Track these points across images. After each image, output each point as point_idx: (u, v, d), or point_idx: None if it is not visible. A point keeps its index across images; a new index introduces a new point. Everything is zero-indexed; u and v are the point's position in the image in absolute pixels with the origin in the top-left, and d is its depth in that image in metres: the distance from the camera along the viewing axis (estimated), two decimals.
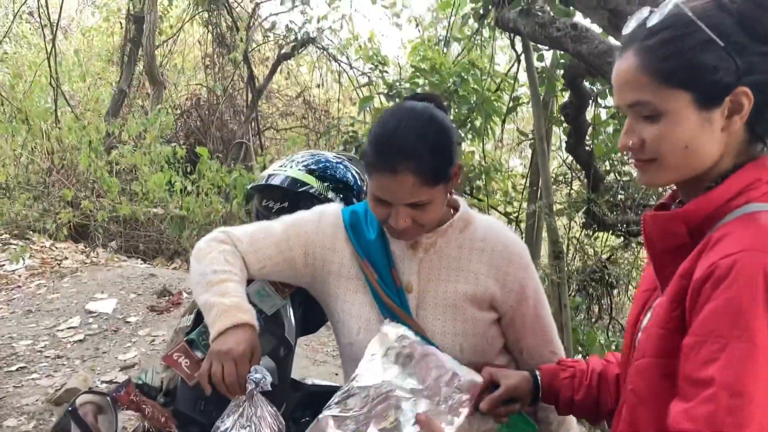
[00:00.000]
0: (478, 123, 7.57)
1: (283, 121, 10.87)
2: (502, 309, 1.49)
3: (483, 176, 7.76)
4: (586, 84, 6.23)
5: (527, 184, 8.19)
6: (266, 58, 10.61)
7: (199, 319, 1.53)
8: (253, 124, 9.73)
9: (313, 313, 1.71)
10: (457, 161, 1.40)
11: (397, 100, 7.80)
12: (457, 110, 7.45)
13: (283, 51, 9.60)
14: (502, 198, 8.88)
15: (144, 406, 1.36)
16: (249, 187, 1.86)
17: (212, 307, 1.38)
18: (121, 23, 10.28)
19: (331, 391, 1.76)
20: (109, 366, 4.27)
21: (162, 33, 10.32)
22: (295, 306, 1.67)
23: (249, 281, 1.57)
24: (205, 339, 1.47)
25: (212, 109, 10.19)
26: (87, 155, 7.26)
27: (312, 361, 4.60)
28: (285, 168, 1.78)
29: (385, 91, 7.82)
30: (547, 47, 5.89)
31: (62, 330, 4.89)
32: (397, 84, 7.80)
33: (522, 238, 8.32)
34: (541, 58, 6.73)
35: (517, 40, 6.27)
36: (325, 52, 9.89)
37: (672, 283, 1.04)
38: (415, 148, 1.32)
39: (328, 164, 1.81)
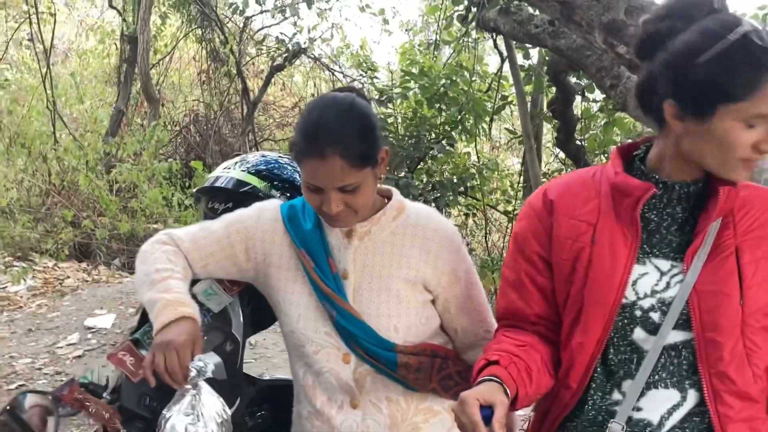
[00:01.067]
0: (469, 124, 7.64)
1: (280, 132, 10.96)
2: (435, 291, 1.55)
3: (477, 176, 7.81)
4: (572, 79, 6.26)
5: (522, 182, 8.23)
6: (260, 70, 10.72)
7: (144, 319, 1.58)
8: (250, 136, 9.84)
9: (264, 310, 1.76)
10: (383, 146, 1.47)
11: (389, 105, 7.90)
12: (447, 112, 7.53)
13: (275, 63, 9.70)
14: (501, 197, 8.93)
15: (88, 404, 1.41)
16: (195, 190, 1.93)
17: (155, 303, 1.44)
18: (116, 44, 10.43)
19: (283, 384, 1.83)
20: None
21: (157, 52, 10.46)
22: (243, 303, 1.72)
23: (196, 281, 1.63)
24: (149, 338, 1.52)
25: (210, 124, 10.29)
26: (86, 175, 7.38)
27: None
28: (229, 170, 1.84)
29: (377, 97, 7.91)
30: (528, 44, 5.94)
31: (62, 347, 4.98)
32: (388, 89, 7.88)
33: None
34: (527, 56, 6.78)
35: (500, 39, 6.31)
36: (317, 62, 9.99)
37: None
38: (339, 132, 1.39)
39: (275, 164, 1.87)
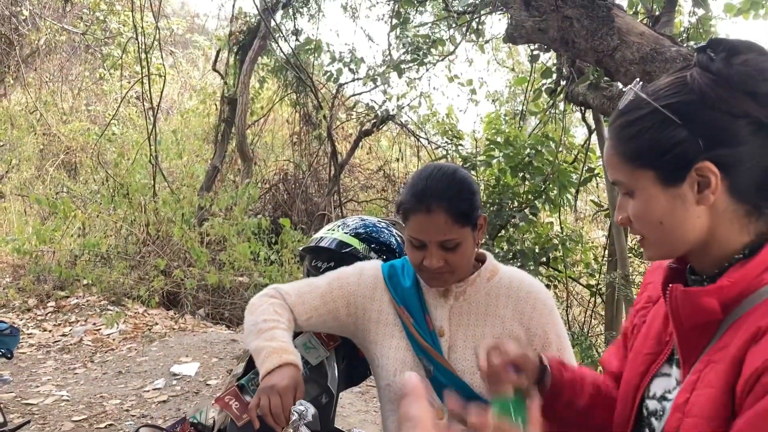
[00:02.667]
0: (553, 194, 7.62)
1: (363, 194, 11.25)
2: None
3: (560, 247, 7.73)
4: None
5: (606, 255, 8.08)
6: (349, 134, 11.10)
7: (249, 366, 1.69)
8: (335, 196, 10.12)
9: (357, 366, 1.84)
10: (482, 213, 1.59)
11: (473, 172, 8.00)
12: (531, 181, 7.55)
13: (364, 128, 10.04)
14: (584, 270, 8.78)
15: None
16: (300, 249, 2.06)
17: (261, 350, 1.56)
18: (216, 105, 11.07)
19: None
20: None
21: (253, 113, 11.04)
22: (339, 358, 1.81)
23: (297, 334, 1.74)
24: (254, 385, 1.63)
25: (298, 183, 10.67)
26: (180, 227, 7.77)
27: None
28: (333, 231, 1.97)
29: (461, 164, 8.03)
30: None
31: (148, 391, 5.18)
32: (472, 156, 8.00)
33: (603, 309, 8.15)
34: None
35: (588, 113, 6.36)
36: (404, 128, 10.27)
37: (714, 371, 1.00)
38: (445, 191, 1.53)
39: (373, 229, 1.98)
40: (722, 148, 1.02)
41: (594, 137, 6.76)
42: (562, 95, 6.59)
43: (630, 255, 7.28)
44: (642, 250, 1.14)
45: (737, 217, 1.06)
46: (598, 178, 7.67)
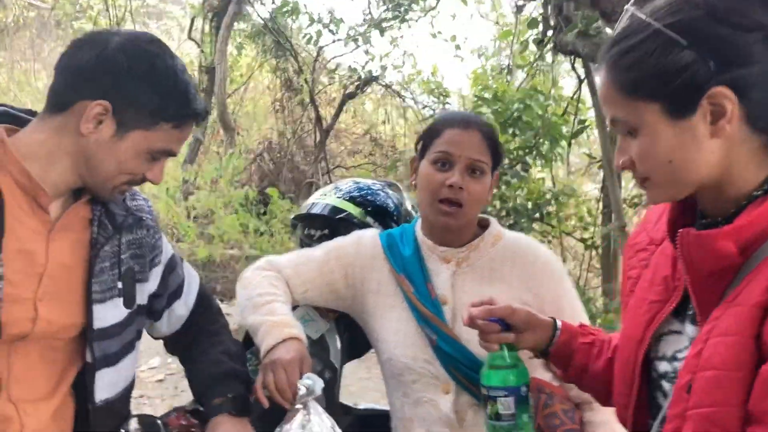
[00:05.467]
0: (544, 149, 7.50)
1: (351, 159, 11.08)
2: None
3: (553, 202, 7.64)
4: None
5: (600, 209, 8.01)
6: (332, 99, 10.88)
7: (246, 344, 1.58)
8: (322, 163, 9.96)
9: (359, 338, 1.73)
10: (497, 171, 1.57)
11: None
12: (522, 136, 7.42)
13: (348, 91, 9.83)
14: (577, 224, 8.71)
15: (193, 430, 1.40)
16: (292, 217, 1.93)
17: (260, 325, 1.44)
18: (194, 74, 10.79)
19: (379, 414, 1.79)
20: None
21: (233, 82, 10.77)
22: (340, 330, 1.71)
23: (294, 307, 1.62)
24: (252, 365, 1.52)
25: (283, 152, 10.49)
26: (165, 202, 7.61)
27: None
28: (325, 196, 1.84)
29: None
30: None
31: (144, 371, 5.08)
32: None
33: (599, 262, 8.11)
34: None
35: (578, 62, 6.22)
36: (389, 89, 10.07)
37: (735, 318, 0.89)
38: (481, 121, 1.59)
39: (368, 191, 1.85)
40: (736, 68, 0.89)
41: (584, 87, 6.62)
42: (549, 46, 6.44)
43: (624, 207, 7.21)
44: (645, 193, 1.02)
45: (754, 150, 0.94)
46: (589, 129, 7.55)
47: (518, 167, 7.45)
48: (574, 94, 7.50)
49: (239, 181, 9.29)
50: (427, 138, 1.55)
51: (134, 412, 1.40)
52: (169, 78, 1.19)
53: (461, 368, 1.46)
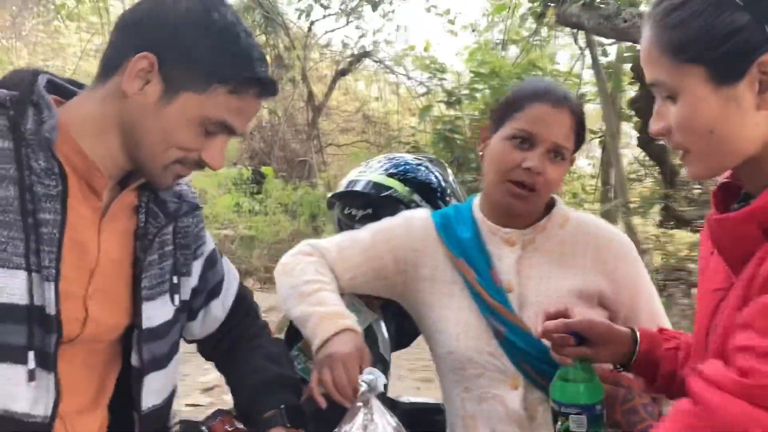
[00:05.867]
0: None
1: (343, 137, 10.93)
2: (613, 306, 1.38)
3: None
4: None
5: (598, 185, 7.96)
6: (324, 75, 10.71)
7: (288, 338, 1.46)
8: (314, 141, 9.80)
9: (405, 327, 1.62)
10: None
11: (457, 106, 7.74)
12: None
13: (340, 67, 9.66)
14: (571, 200, 8.67)
15: None
16: (330, 195, 1.79)
17: (309, 317, 1.30)
18: None
19: (427, 408, 1.68)
20: (191, 389, 4.29)
21: None
22: (387, 320, 1.58)
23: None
24: (300, 361, 1.40)
25: (274, 130, 10.33)
26: None
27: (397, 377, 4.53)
28: (365, 173, 1.70)
29: (445, 99, 7.77)
30: (613, 40, 5.71)
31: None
32: (457, 90, 7.73)
33: None
34: (605, 54, 6.55)
35: (580, 36, 6.10)
36: (381, 65, 9.91)
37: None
38: (572, 99, 1.38)
39: (408, 167, 1.72)
40: None
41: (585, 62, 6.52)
42: (547, 19, 6.32)
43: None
44: (684, 166, 0.94)
45: None
46: (588, 104, 7.47)
47: None
48: (571, 69, 7.42)
49: (229, 161, 9.13)
50: (507, 108, 1.39)
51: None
52: (228, 34, 1.01)
53: (532, 361, 1.33)
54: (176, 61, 0.98)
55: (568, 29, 6.58)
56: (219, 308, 1.29)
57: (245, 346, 1.30)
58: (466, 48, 8.71)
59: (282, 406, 1.20)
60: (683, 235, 7.77)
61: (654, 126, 0.93)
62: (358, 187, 1.66)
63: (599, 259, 1.38)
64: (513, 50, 8.59)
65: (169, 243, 1.13)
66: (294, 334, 1.41)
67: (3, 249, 0.91)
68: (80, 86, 1.07)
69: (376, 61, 9.78)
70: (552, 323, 1.16)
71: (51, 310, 0.94)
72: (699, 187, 7.12)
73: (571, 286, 1.36)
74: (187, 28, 0.98)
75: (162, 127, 1.00)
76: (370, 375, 1.20)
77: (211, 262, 1.28)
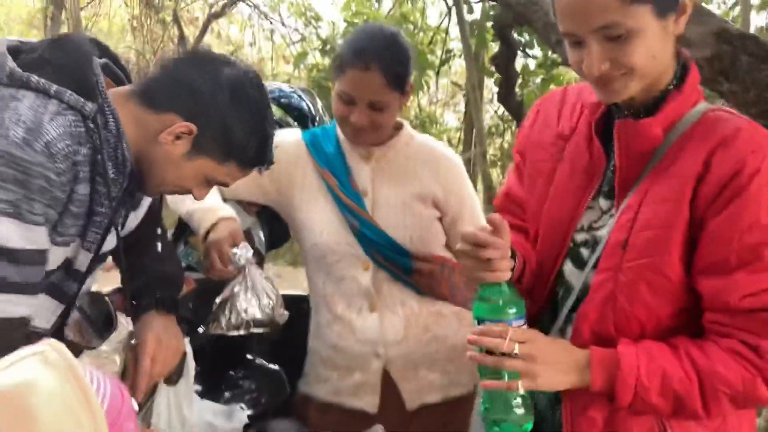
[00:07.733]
0: (412, 78, 7.73)
1: None
2: (443, 209, 1.73)
3: (418, 128, 7.96)
4: (514, 34, 6.44)
5: (461, 137, 8.45)
6: (195, 18, 10.47)
7: (176, 232, 1.69)
8: None
9: (277, 230, 1.88)
10: (411, 81, 1.64)
11: (332, 55, 7.87)
12: None
13: (213, 10, 9.50)
14: None
15: None
16: None
17: (193, 213, 1.59)
18: None
19: (295, 298, 1.96)
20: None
21: None
22: (263, 223, 1.84)
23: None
24: (193, 256, 1.66)
25: (142, 73, 9.95)
26: None
27: None
28: None
29: (320, 47, 7.90)
30: None
31: None
32: (331, 39, 7.88)
33: None
34: (471, 11, 6.92)
35: None
36: (256, 10, 9.84)
37: (667, 187, 1.07)
38: (384, 52, 1.57)
39: (282, 93, 1.97)
40: None
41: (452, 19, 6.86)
42: None
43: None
44: (602, 91, 1.10)
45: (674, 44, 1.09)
46: (452, 60, 7.88)
47: None
48: (440, 25, 7.75)
49: None
50: (336, 69, 1.62)
51: None
52: (259, 127, 1.24)
53: (380, 249, 1.67)
54: (209, 137, 1.21)
55: None
56: (134, 221, 1.44)
57: (140, 250, 1.45)
58: None
59: (157, 295, 1.40)
60: None
61: (598, 66, 1.04)
62: None
63: (434, 170, 1.72)
64: (387, 2, 8.84)
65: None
66: (182, 228, 1.65)
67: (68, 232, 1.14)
68: (123, 69, 1.31)
69: (250, 6, 9.71)
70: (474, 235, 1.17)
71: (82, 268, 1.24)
72: None
73: (413, 191, 1.70)
74: (228, 115, 1.20)
75: (177, 174, 1.23)
76: (242, 249, 1.49)
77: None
